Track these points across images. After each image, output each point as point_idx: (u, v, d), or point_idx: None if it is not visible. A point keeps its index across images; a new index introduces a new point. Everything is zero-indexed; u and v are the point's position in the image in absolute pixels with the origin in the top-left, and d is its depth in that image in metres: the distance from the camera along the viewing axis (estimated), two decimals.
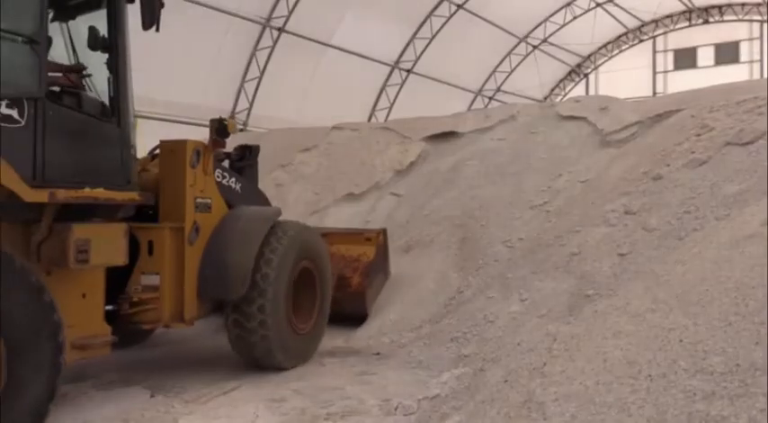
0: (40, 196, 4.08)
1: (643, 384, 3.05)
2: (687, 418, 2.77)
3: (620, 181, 7.35)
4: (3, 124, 3.93)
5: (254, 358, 5.70)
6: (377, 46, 24.01)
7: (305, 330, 6.05)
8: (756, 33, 29.22)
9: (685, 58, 30.88)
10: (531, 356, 4.03)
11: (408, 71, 25.95)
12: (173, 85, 17.40)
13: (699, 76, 27.30)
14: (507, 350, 4.61)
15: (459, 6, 24.81)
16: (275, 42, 20.93)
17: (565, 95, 32.33)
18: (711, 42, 29.87)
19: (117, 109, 4.80)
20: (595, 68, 33.39)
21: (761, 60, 28.88)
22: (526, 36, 29.12)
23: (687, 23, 30.68)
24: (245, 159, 6.58)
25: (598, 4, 28.45)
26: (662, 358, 3.15)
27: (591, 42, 30.75)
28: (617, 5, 28.86)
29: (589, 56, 33.06)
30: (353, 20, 22.27)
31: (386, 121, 19.73)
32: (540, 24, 28.96)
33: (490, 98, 30.15)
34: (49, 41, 4.46)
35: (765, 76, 27.60)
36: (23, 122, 4.07)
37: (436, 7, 24.62)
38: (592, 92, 31.82)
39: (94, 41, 4.84)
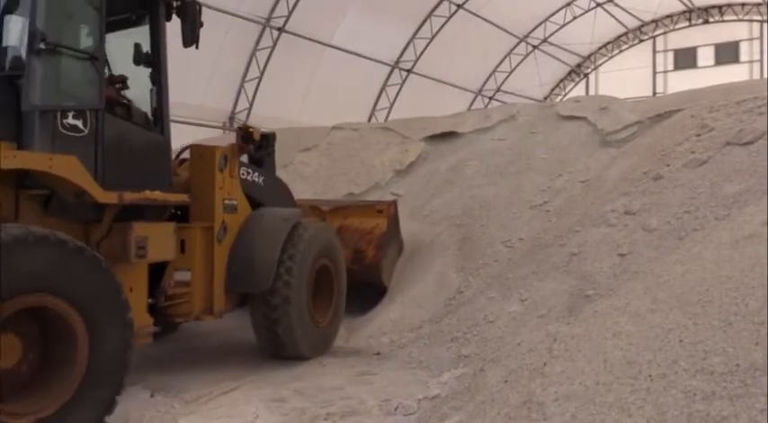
0: (111, 197, 4.59)
1: (643, 384, 3.05)
2: (687, 418, 2.77)
3: (620, 181, 7.35)
4: (69, 133, 4.44)
5: (278, 348, 6.01)
6: (377, 46, 24.01)
7: (323, 323, 6.42)
8: (756, 33, 29.23)
9: (685, 58, 30.89)
10: (531, 356, 4.03)
11: (408, 71, 25.95)
12: (173, 85, 17.30)
13: (699, 76, 27.30)
14: (507, 350, 4.61)
15: (460, 6, 24.81)
16: (275, 42, 20.93)
17: (565, 95, 32.34)
18: (711, 42, 29.87)
19: (160, 118, 5.29)
20: (595, 68, 33.39)
21: (761, 60, 28.89)
22: (526, 36, 29.12)
23: (687, 23, 30.69)
24: (263, 149, 6.73)
25: (598, 4, 28.45)
26: (662, 358, 3.15)
27: (591, 42, 30.76)
28: (617, 5, 28.86)
29: (589, 56, 33.07)
30: (353, 20, 22.27)
31: (386, 121, 19.74)
32: (540, 24, 28.97)
33: (490, 98, 30.15)
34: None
35: (765, 76, 27.60)
36: (86, 132, 4.57)
37: (436, 7, 24.62)
38: (592, 92, 31.83)
39: (138, 57, 5.28)
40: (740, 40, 29.54)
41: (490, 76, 29.91)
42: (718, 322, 3.23)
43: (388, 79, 25.88)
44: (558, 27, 29.27)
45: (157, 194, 5.02)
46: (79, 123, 4.52)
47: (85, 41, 4.70)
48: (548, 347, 3.93)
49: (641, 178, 7.00)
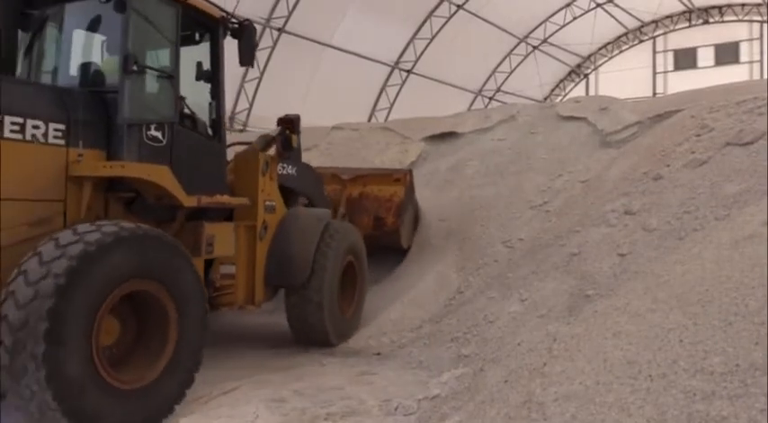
0: (192, 201, 5.26)
1: (643, 384, 3.05)
2: (687, 418, 2.77)
3: (620, 181, 7.35)
4: (151, 143, 5.06)
5: (310, 335, 6.66)
6: (377, 46, 24.01)
7: (348, 313, 7.10)
8: (756, 33, 29.23)
9: (685, 59, 30.89)
10: (531, 356, 4.03)
11: (408, 71, 25.95)
12: None
13: (699, 76, 27.33)
14: (507, 350, 4.61)
15: (459, 7, 24.82)
16: (275, 42, 20.92)
17: (565, 96, 32.34)
18: (711, 42, 29.88)
19: (218, 128, 5.85)
20: (595, 69, 33.40)
21: (761, 60, 28.90)
22: (526, 36, 29.13)
23: (687, 24, 30.70)
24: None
25: (598, 5, 28.46)
26: (662, 358, 3.15)
27: (591, 43, 30.77)
28: (617, 6, 28.87)
29: (589, 56, 33.07)
30: (353, 20, 22.27)
31: (386, 121, 19.73)
32: (540, 25, 28.97)
33: (490, 98, 30.15)
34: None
35: (765, 76, 27.61)
36: (164, 142, 5.19)
37: (436, 7, 24.62)
38: (592, 92, 31.84)
39: (200, 74, 5.81)
40: (740, 41, 29.54)
41: (490, 76, 29.91)
42: (718, 322, 3.23)
43: (388, 79, 25.87)
44: (558, 27, 29.27)
45: (225, 198, 5.75)
46: (159, 135, 5.16)
47: (163, 62, 5.32)
48: (548, 347, 3.93)
49: (641, 178, 7.00)
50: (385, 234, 8.25)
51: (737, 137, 6.57)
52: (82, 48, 5.63)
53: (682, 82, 25.92)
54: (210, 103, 5.86)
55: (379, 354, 6.54)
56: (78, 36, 5.61)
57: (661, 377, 3.04)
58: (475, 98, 30.00)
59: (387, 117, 24.57)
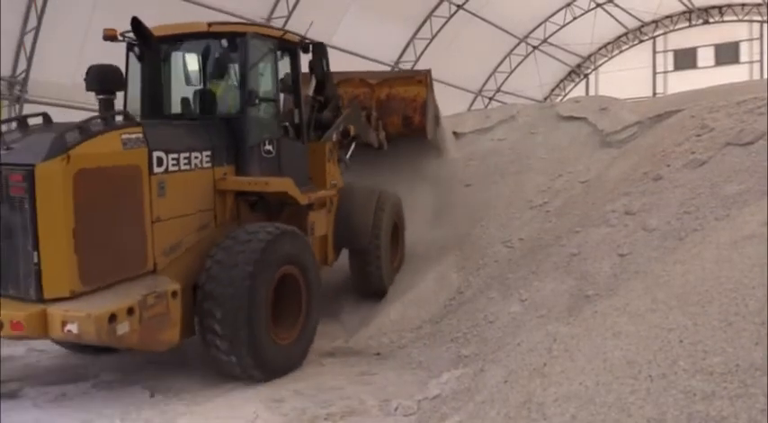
0: (305, 199, 6.60)
1: (643, 384, 3.05)
2: (687, 418, 2.76)
3: (620, 181, 7.35)
4: (267, 156, 6.37)
5: (371, 286, 8.01)
6: (377, 46, 23.97)
7: (395, 264, 8.48)
8: (756, 33, 29.20)
9: (685, 59, 30.86)
10: (531, 356, 4.02)
11: None
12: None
13: (699, 76, 27.29)
14: (507, 350, 4.60)
15: (459, 7, 24.79)
16: None
17: (565, 96, 32.30)
18: (711, 42, 29.84)
19: (301, 131, 6.99)
20: (595, 69, 33.37)
21: (761, 60, 28.87)
22: (526, 36, 29.09)
23: (687, 24, 30.66)
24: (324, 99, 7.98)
25: (598, 5, 28.44)
26: (662, 358, 3.15)
27: (591, 42, 30.72)
28: (617, 6, 28.84)
29: (589, 56, 33.04)
30: (353, 20, 22.25)
31: None
32: (540, 25, 28.93)
33: (490, 98, 30.12)
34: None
35: (765, 76, 27.59)
36: (274, 153, 6.47)
37: (436, 7, 24.59)
38: (592, 92, 31.81)
39: (285, 86, 6.87)
40: (740, 41, 29.51)
41: (490, 76, 29.88)
42: (718, 322, 3.23)
43: None
44: (558, 27, 29.23)
45: (323, 193, 7.18)
46: (270, 147, 6.44)
47: (265, 87, 6.52)
48: (548, 347, 3.93)
49: (641, 178, 7.00)
50: (413, 131, 9.34)
51: (737, 137, 6.57)
52: (200, 79, 6.72)
53: (682, 82, 25.89)
54: (294, 111, 7.01)
55: (379, 354, 6.54)
56: (196, 68, 6.74)
57: (661, 377, 3.03)
58: (475, 98, 29.97)
59: None
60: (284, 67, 6.90)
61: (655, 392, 2.97)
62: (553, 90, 33.42)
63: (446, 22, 25.08)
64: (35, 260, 4.52)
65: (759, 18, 28.82)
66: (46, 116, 5.37)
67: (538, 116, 10.23)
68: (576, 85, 33.70)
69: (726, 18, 29.48)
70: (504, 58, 29.57)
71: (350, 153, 8.25)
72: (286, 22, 20.69)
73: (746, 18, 29.13)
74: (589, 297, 5.62)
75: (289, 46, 6.88)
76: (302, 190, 6.60)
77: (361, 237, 7.72)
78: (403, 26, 24.66)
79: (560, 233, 7.07)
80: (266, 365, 5.46)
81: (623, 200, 6.80)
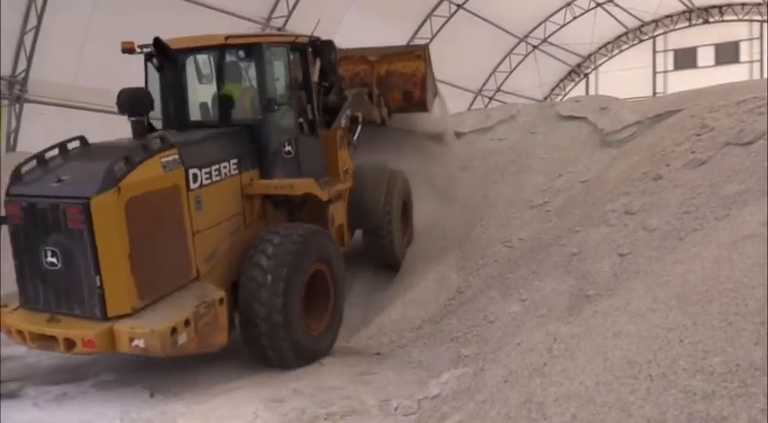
0: (326, 195, 7.03)
1: (643, 384, 3.05)
2: (687, 418, 2.76)
3: (620, 181, 7.35)
4: (287, 157, 6.77)
5: (385, 259, 8.65)
6: (377, 45, 23.97)
7: (406, 238, 9.06)
8: (756, 33, 29.16)
9: (685, 58, 30.82)
10: (531, 356, 4.02)
11: None
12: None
13: (699, 76, 27.24)
14: (507, 350, 4.60)
15: (459, 6, 24.78)
16: None
17: (565, 95, 32.26)
18: (711, 42, 29.80)
19: (314, 126, 7.26)
20: (595, 68, 33.33)
21: (761, 60, 28.83)
22: (526, 36, 29.06)
23: (687, 23, 30.62)
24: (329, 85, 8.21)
25: (598, 4, 28.41)
26: (662, 358, 3.15)
27: (591, 42, 30.68)
28: (617, 5, 28.81)
29: (589, 56, 33.00)
30: (353, 20, 22.25)
31: None
32: (540, 24, 28.89)
33: (490, 98, 30.09)
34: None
35: (765, 76, 27.56)
36: (293, 153, 6.87)
37: (436, 7, 24.58)
38: (592, 92, 31.77)
39: (298, 85, 7.10)
40: (740, 40, 29.46)
41: (490, 76, 29.84)
42: (718, 322, 3.22)
43: None
44: (558, 27, 29.19)
45: (340, 186, 7.59)
46: (290, 148, 6.82)
47: (283, 92, 6.81)
48: (548, 347, 3.93)
49: (641, 178, 7.00)
50: (413, 106, 9.70)
51: (737, 137, 6.57)
52: (219, 88, 6.96)
53: (682, 82, 25.85)
54: (306, 107, 7.21)
55: (378, 354, 6.54)
56: (215, 78, 6.98)
57: (661, 377, 3.03)
58: (475, 98, 29.94)
59: None
60: (296, 66, 7.16)
61: (655, 392, 2.97)
62: (553, 90, 33.38)
63: (446, 22, 25.06)
64: (98, 284, 4.94)
65: (759, 18, 28.79)
66: (83, 140, 5.75)
67: (538, 116, 10.23)
68: (575, 85, 33.66)
69: (726, 18, 29.44)
70: (504, 57, 29.54)
71: (357, 134, 8.42)
72: (286, 21, 20.68)
73: (746, 18, 29.09)
74: (589, 297, 5.62)
75: (300, 47, 7.20)
76: (320, 183, 6.98)
77: (374, 218, 8.23)
78: (403, 26, 24.64)
79: (560, 233, 7.07)
80: (301, 353, 5.97)
81: (623, 199, 6.80)
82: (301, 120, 7.11)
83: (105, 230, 4.90)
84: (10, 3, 13.29)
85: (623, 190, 7.01)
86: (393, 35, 24.42)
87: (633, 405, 2.96)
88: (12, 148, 14.54)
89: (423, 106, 9.70)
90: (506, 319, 6.07)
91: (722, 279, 3.57)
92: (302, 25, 21.37)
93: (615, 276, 5.76)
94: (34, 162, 5.45)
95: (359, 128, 8.50)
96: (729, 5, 29.11)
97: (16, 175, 5.31)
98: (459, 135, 10.62)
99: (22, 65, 14.40)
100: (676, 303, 3.57)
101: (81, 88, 14.87)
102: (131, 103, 5.75)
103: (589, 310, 4.30)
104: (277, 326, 5.72)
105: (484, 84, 30.05)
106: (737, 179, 5.98)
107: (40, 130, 14.46)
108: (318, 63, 7.86)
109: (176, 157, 5.51)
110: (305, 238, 6.08)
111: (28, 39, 14.21)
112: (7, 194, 5.27)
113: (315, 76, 7.81)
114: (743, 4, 28.84)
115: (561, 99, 29.10)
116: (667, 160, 6.99)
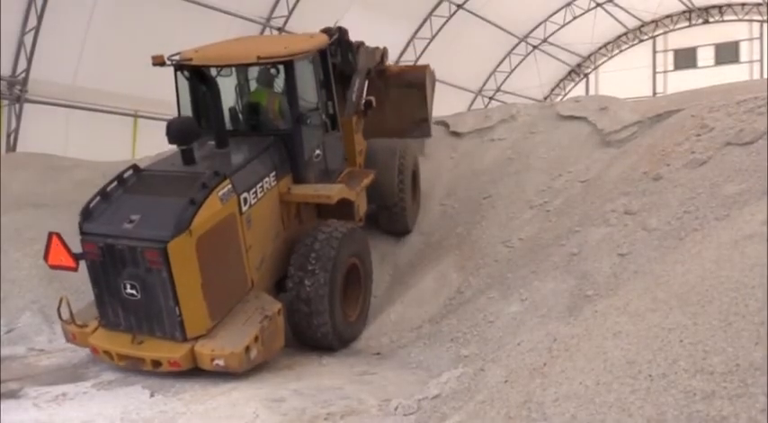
0: (353, 194, 7.53)
1: (643, 384, 3.05)
2: (687, 418, 2.76)
3: (620, 181, 7.34)
4: (316, 160, 7.22)
5: (397, 228, 9.09)
6: (377, 45, 23.97)
7: (414, 206, 9.38)
8: (756, 33, 29.16)
9: (685, 58, 30.82)
10: (531, 356, 4.02)
11: None
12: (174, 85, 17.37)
13: (699, 76, 27.25)
14: (507, 350, 4.60)
15: (459, 6, 24.78)
16: None
17: (565, 95, 32.27)
18: (711, 42, 29.80)
19: (336, 122, 7.54)
20: (595, 68, 33.33)
21: (761, 60, 28.83)
22: (526, 36, 29.07)
23: (687, 23, 30.62)
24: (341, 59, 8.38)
25: (598, 4, 28.41)
26: (662, 358, 3.14)
27: (591, 42, 30.69)
28: (617, 5, 28.81)
29: (589, 56, 33.01)
30: (353, 20, 22.22)
31: None
32: (540, 24, 28.90)
33: (490, 98, 30.10)
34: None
35: (765, 76, 27.56)
36: (322, 155, 7.31)
37: (436, 7, 24.58)
38: (592, 92, 31.77)
39: (319, 84, 7.29)
40: (740, 40, 29.46)
41: (490, 76, 29.85)
42: (718, 322, 3.22)
43: None
44: (558, 27, 29.20)
45: (366, 182, 8.04)
46: (319, 151, 7.25)
47: (311, 99, 7.18)
48: (548, 347, 3.93)
49: (641, 178, 7.00)
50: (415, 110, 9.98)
51: (737, 137, 6.57)
52: (250, 98, 7.42)
53: (682, 82, 25.87)
54: (327, 103, 7.42)
55: (378, 354, 6.54)
56: (247, 90, 7.55)
57: (661, 377, 3.03)
58: (475, 98, 29.95)
59: None
60: (319, 67, 7.35)
61: (655, 392, 2.97)
62: (553, 89, 33.39)
63: (446, 22, 25.06)
64: (177, 313, 5.54)
65: (759, 18, 28.78)
66: (136, 168, 6.33)
67: (538, 116, 10.23)
68: (576, 85, 33.66)
69: (726, 17, 29.45)
70: (504, 57, 29.55)
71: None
72: (286, 21, 20.68)
73: (746, 17, 29.09)
74: (589, 297, 5.62)
75: (322, 49, 7.43)
76: (348, 182, 7.59)
77: (388, 196, 8.63)
78: (403, 25, 24.64)
79: (560, 233, 7.07)
80: (342, 336, 6.74)
81: (623, 199, 6.80)
82: (324, 116, 7.36)
83: (181, 268, 5.47)
84: (10, 3, 13.30)
85: (623, 190, 7.00)
86: (393, 35, 24.44)
87: (633, 405, 2.96)
88: (12, 148, 14.55)
89: (424, 112, 9.98)
90: (506, 319, 6.07)
91: (722, 279, 3.57)
92: (302, 25, 21.37)
93: (615, 276, 5.76)
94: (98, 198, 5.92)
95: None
96: (729, 5, 29.11)
97: (86, 212, 5.78)
98: (458, 135, 10.62)
99: (22, 65, 14.41)
100: (676, 303, 3.57)
101: (81, 88, 14.90)
102: (180, 134, 6.18)
103: (589, 310, 4.30)
104: (323, 313, 6.35)
105: (484, 84, 30.06)
106: (737, 179, 5.98)
107: (40, 131, 14.48)
108: (339, 55, 8.06)
109: (230, 187, 6.00)
110: (345, 235, 6.67)
111: (28, 39, 14.22)
112: (82, 233, 5.74)
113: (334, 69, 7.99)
114: (743, 4, 28.84)
115: (561, 99, 29.09)
116: (667, 160, 6.99)
